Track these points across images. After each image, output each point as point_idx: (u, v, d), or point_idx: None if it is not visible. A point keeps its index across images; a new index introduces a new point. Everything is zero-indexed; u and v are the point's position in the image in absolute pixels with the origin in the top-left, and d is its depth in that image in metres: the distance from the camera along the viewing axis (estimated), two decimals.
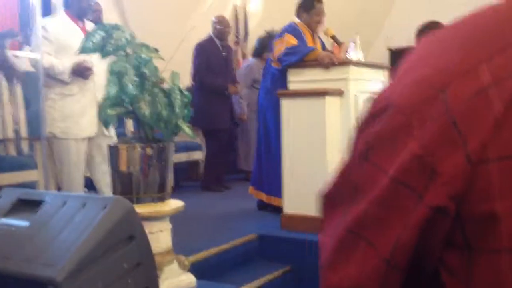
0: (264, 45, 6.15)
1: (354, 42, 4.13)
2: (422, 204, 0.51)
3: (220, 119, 5.41)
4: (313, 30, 4.27)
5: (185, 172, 6.09)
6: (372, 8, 8.63)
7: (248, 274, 3.34)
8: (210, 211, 4.50)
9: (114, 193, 2.36)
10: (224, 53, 5.54)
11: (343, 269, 0.57)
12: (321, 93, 3.67)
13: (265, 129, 4.34)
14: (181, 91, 2.43)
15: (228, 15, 7.56)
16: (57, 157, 3.71)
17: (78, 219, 1.77)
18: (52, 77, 3.62)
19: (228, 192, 5.49)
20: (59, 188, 3.83)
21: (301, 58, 3.84)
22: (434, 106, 0.51)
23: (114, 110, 2.34)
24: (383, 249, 0.54)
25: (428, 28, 3.23)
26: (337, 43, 4.20)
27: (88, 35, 2.32)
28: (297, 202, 3.73)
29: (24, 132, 4.19)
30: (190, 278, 2.45)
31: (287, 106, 3.78)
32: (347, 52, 4.18)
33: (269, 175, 4.25)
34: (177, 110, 2.36)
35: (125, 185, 2.30)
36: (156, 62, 2.54)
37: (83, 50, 2.32)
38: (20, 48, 5.14)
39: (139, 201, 2.28)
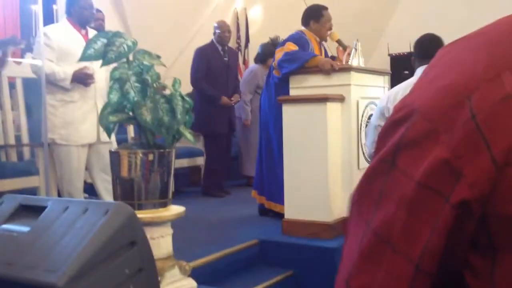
0: (268, 51, 6.18)
1: (355, 48, 4.14)
2: (449, 205, 0.53)
3: (218, 125, 5.42)
4: (322, 38, 4.29)
5: (186, 177, 6.09)
6: (373, 15, 8.65)
7: (249, 280, 3.34)
8: (211, 216, 4.50)
9: (115, 199, 2.37)
10: (225, 58, 5.54)
11: (370, 276, 0.58)
12: (322, 99, 3.67)
13: (267, 136, 4.34)
14: (182, 97, 2.44)
15: (229, 21, 7.59)
16: (58, 163, 3.73)
17: (80, 225, 1.78)
18: (53, 83, 3.64)
19: (229, 197, 5.50)
20: (60, 194, 3.84)
21: (302, 65, 3.85)
22: (461, 112, 0.52)
23: (116, 116, 2.35)
24: (412, 254, 0.55)
25: (426, 41, 3.31)
26: (343, 47, 4.21)
27: (89, 42, 2.34)
28: (299, 207, 3.73)
29: (25, 138, 4.20)
30: (191, 284, 2.46)
31: (288, 112, 3.79)
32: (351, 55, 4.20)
33: (270, 180, 4.26)
34: (179, 116, 2.37)
35: (126, 191, 2.31)
36: (158, 69, 2.56)
37: (85, 57, 2.33)
38: (22, 55, 5.16)
39: (140, 207, 2.29)
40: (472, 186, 0.52)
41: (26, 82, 4.25)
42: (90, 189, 4.19)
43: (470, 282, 0.56)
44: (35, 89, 3.84)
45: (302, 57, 3.88)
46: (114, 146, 3.71)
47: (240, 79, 6.29)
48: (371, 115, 3.93)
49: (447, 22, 8.12)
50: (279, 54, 4.03)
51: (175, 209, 2.41)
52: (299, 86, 3.91)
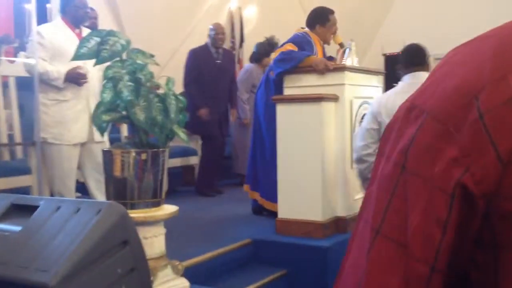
0: (263, 51, 6.17)
1: (349, 48, 4.15)
2: (457, 203, 0.54)
3: (210, 126, 5.41)
4: (326, 42, 4.29)
5: (180, 177, 6.09)
6: (367, 14, 8.67)
7: (243, 279, 3.34)
8: (204, 215, 4.50)
9: (108, 198, 2.36)
10: (218, 61, 5.53)
11: (385, 283, 0.58)
12: (316, 99, 3.68)
13: (260, 134, 4.34)
14: (176, 96, 2.43)
15: (223, 20, 7.59)
16: (49, 163, 3.71)
17: (72, 224, 1.77)
18: (46, 82, 3.63)
19: (223, 197, 5.50)
20: (52, 194, 3.83)
21: (296, 64, 3.85)
22: (470, 111, 0.54)
23: (109, 115, 2.34)
24: (428, 256, 0.55)
25: (412, 50, 3.40)
26: (344, 50, 4.23)
27: (82, 41, 2.33)
28: (292, 206, 3.74)
29: (18, 137, 4.18)
30: (184, 283, 2.45)
31: (282, 112, 3.79)
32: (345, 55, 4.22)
33: (264, 179, 4.26)
34: (172, 115, 2.36)
35: (119, 191, 2.30)
36: (152, 68, 2.55)
37: (78, 56, 2.32)
38: (15, 54, 5.14)
39: (133, 206, 2.28)
40: (478, 183, 0.53)
41: (19, 81, 4.24)
42: (82, 189, 4.18)
43: (475, 279, 0.57)
44: (28, 88, 3.82)
45: (296, 56, 3.88)
46: (106, 145, 3.70)
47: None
48: (365, 115, 3.93)
49: (441, 22, 8.16)
50: (276, 53, 4.04)
51: (168, 209, 2.41)
52: (293, 86, 3.91)
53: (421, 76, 3.23)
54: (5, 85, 4.33)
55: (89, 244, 1.69)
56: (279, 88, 4.03)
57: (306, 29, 4.28)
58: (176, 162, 5.62)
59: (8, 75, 4.26)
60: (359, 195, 3.82)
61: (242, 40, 8.23)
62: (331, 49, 4.54)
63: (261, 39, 6.37)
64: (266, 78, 4.35)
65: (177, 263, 2.39)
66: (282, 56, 3.92)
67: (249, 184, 4.44)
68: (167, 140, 2.43)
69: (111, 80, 2.31)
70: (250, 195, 4.44)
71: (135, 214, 2.21)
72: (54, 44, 3.67)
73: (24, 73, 3.82)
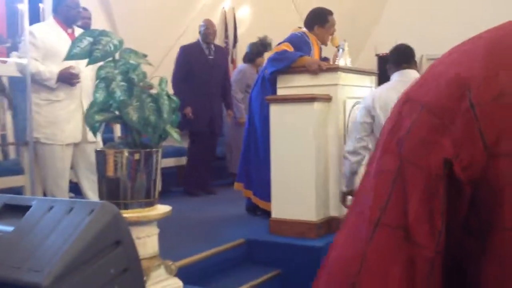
0: (256, 50, 6.17)
1: (342, 48, 4.16)
2: (445, 187, 0.59)
3: (199, 123, 5.40)
4: (324, 43, 4.30)
5: (173, 177, 6.08)
6: (360, 15, 8.69)
7: (236, 279, 3.34)
8: (198, 215, 4.50)
9: (101, 198, 2.36)
10: (210, 57, 5.52)
11: (385, 273, 0.60)
12: (310, 99, 3.69)
13: (254, 134, 4.35)
14: (169, 96, 2.43)
15: (217, 20, 7.58)
16: (42, 163, 3.70)
17: (65, 224, 1.77)
18: (38, 82, 3.61)
19: (216, 197, 5.49)
20: (45, 194, 3.82)
21: (289, 64, 3.86)
22: (462, 102, 0.58)
23: (102, 115, 2.34)
24: (431, 240, 0.59)
25: (401, 50, 3.59)
26: None
27: (75, 41, 2.32)
28: (286, 206, 3.74)
29: (11, 137, 4.17)
30: (177, 283, 2.45)
31: (276, 112, 3.80)
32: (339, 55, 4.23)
33: (258, 178, 4.26)
34: (165, 115, 2.36)
35: (112, 191, 2.30)
36: (145, 68, 2.55)
37: (70, 56, 2.32)
38: (8, 54, 5.12)
39: (126, 206, 2.28)
40: (465, 169, 0.57)
41: (12, 81, 4.22)
42: (75, 189, 4.16)
43: (465, 266, 0.61)
44: (21, 88, 3.81)
45: (289, 57, 3.89)
46: (100, 145, 3.69)
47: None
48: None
49: (434, 23, 8.19)
50: (272, 53, 4.05)
51: (161, 209, 2.41)
52: (286, 86, 3.92)
53: (409, 74, 3.37)
54: None
55: (81, 244, 1.69)
56: (275, 87, 4.04)
57: (304, 29, 4.29)
58: (170, 162, 5.62)
59: (1, 75, 4.24)
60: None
61: (235, 40, 8.23)
62: (328, 51, 4.55)
63: (255, 39, 6.38)
64: (262, 78, 4.35)
65: (170, 263, 2.39)
66: (276, 56, 3.94)
67: (242, 183, 4.44)
68: (160, 140, 2.43)
69: (103, 80, 2.31)
70: (244, 193, 4.44)
71: (128, 214, 2.20)
72: (46, 44, 3.66)
73: (16, 73, 3.81)
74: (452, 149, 0.58)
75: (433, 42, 7.17)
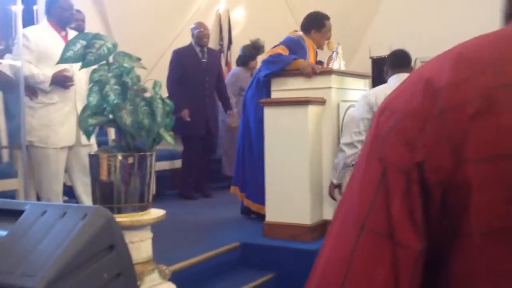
0: (249, 53, 6.17)
1: (336, 51, 4.17)
2: (418, 189, 0.62)
3: (195, 126, 5.40)
4: (320, 47, 4.31)
5: (167, 180, 6.07)
6: (354, 18, 8.71)
7: (231, 283, 3.34)
8: (192, 219, 4.49)
9: (94, 202, 2.35)
10: (203, 60, 5.51)
11: (370, 274, 0.63)
12: (303, 102, 3.69)
13: (249, 136, 4.35)
14: (163, 100, 2.43)
15: (211, 23, 7.59)
16: (36, 166, 3.69)
17: (58, 229, 1.76)
18: (32, 85, 3.60)
19: (210, 200, 5.49)
20: (38, 198, 3.80)
21: (283, 67, 3.87)
22: (433, 110, 0.63)
23: (95, 119, 2.33)
24: (414, 239, 0.62)
25: (398, 54, 3.75)
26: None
27: (68, 44, 2.32)
28: (280, 210, 3.74)
29: (4, 140, 4.15)
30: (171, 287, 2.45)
31: (270, 115, 3.80)
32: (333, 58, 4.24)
33: (251, 180, 4.26)
34: (159, 119, 2.36)
35: (105, 195, 2.29)
36: (139, 71, 2.54)
37: (64, 59, 2.31)
38: (1, 56, 5.10)
39: (120, 210, 2.27)
40: (434, 172, 0.61)
41: (5, 84, 4.20)
42: (69, 192, 4.15)
43: (436, 265, 0.65)
44: (15, 91, 3.79)
45: (283, 60, 3.89)
46: (94, 148, 3.68)
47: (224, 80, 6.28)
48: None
49: (427, 25, 8.22)
50: (266, 55, 4.06)
51: (155, 213, 2.40)
52: (280, 89, 3.92)
53: (405, 77, 3.42)
54: None
55: (75, 249, 1.68)
56: (269, 90, 4.04)
57: (301, 33, 4.29)
58: (164, 165, 5.61)
59: None
60: None
61: (230, 43, 8.23)
62: (322, 54, 4.56)
63: (249, 41, 6.38)
64: (256, 80, 4.36)
65: (164, 268, 2.39)
66: (270, 58, 3.94)
67: (237, 186, 4.44)
68: (154, 144, 2.42)
69: (97, 84, 2.30)
70: (240, 197, 4.44)
71: (121, 218, 2.20)
72: (39, 47, 3.65)
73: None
74: (423, 153, 0.62)
75: (427, 45, 7.19)
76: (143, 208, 2.35)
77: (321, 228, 3.76)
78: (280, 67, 3.87)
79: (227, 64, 8.01)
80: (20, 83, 3.52)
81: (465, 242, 0.61)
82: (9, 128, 4.15)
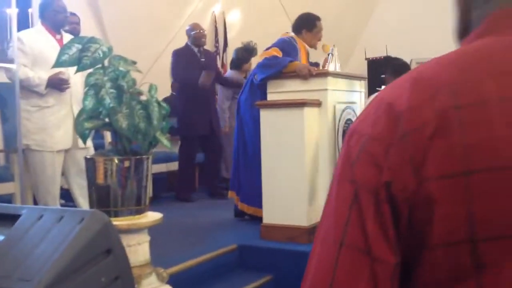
0: (241, 56, 6.17)
1: (332, 53, 4.18)
2: (387, 206, 0.67)
3: (200, 126, 5.40)
4: (312, 47, 4.32)
5: (164, 182, 6.07)
6: (349, 19, 8.73)
7: (229, 285, 3.34)
8: (189, 221, 4.49)
9: (91, 206, 2.35)
10: (202, 59, 5.53)
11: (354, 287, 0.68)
12: (300, 104, 3.69)
13: (243, 139, 4.35)
14: (159, 103, 2.43)
15: (207, 25, 7.59)
16: (32, 170, 3.68)
17: (55, 233, 1.76)
18: (28, 89, 3.60)
19: (207, 202, 5.49)
20: (35, 200, 3.80)
21: (280, 71, 3.87)
22: (395, 133, 0.68)
23: (91, 123, 2.33)
24: (390, 253, 0.67)
25: (399, 64, 3.97)
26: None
27: (63, 48, 2.31)
28: (276, 212, 3.75)
29: (0, 144, 4.14)
30: None
31: (266, 117, 3.80)
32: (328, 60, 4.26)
33: (245, 182, 4.27)
34: (155, 122, 2.36)
35: (102, 198, 2.29)
36: (134, 74, 2.54)
37: (59, 63, 2.31)
38: None
39: (116, 214, 2.27)
40: (401, 191, 0.66)
41: (1, 87, 4.20)
42: (66, 195, 4.14)
43: (407, 276, 0.70)
44: (10, 95, 3.79)
45: (279, 62, 3.90)
46: (91, 151, 3.68)
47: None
48: (348, 120, 3.96)
49: (422, 27, 8.24)
50: (261, 58, 4.06)
51: (152, 216, 2.40)
52: (276, 91, 3.93)
53: None
54: None
55: (72, 253, 1.68)
56: (264, 92, 4.05)
57: (292, 34, 4.30)
58: (160, 168, 5.60)
59: None
60: None
61: (226, 45, 8.24)
62: (318, 56, 4.56)
63: (241, 44, 6.39)
64: (250, 83, 4.36)
65: (161, 271, 2.39)
66: (266, 62, 3.94)
67: (234, 191, 4.44)
68: (150, 147, 2.42)
69: (93, 87, 2.30)
70: (235, 200, 4.45)
71: (118, 222, 2.20)
72: (34, 51, 3.64)
73: (5, 79, 3.79)
74: (389, 174, 0.67)
75: (422, 46, 7.22)
76: (140, 212, 2.35)
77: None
78: (277, 70, 3.87)
79: (223, 66, 8.01)
80: (15, 87, 3.52)
81: (431, 254, 0.66)
82: (5, 131, 4.14)
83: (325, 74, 3.85)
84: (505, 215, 0.64)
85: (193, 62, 5.43)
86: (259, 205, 3.92)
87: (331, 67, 4.11)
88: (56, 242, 1.72)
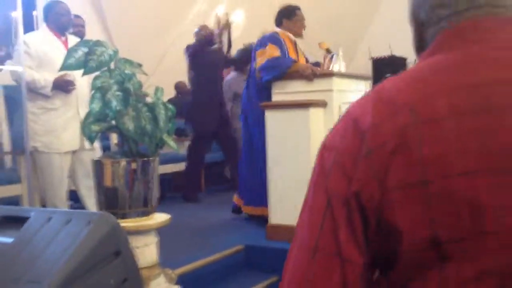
0: (244, 58, 6.18)
1: (336, 53, 4.18)
2: (357, 214, 0.76)
3: (206, 125, 5.39)
4: (296, 35, 4.33)
5: (169, 183, 6.08)
6: (353, 19, 8.72)
7: (235, 285, 3.35)
8: (195, 222, 4.50)
9: (99, 208, 2.36)
10: (214, 57, 5.54)
11: (327, 285, 0.77)
12: (305, 105, 3.70)
13: (248, 137, 4.35)
14: (165, 105, 2.44)
15: (211, 26, 7.59)
16: (40, 171, 3.70)
17: (63, 235, 1.77)
18: (34, 91, 3.62)
19: (212, 202, 5.49)
20: (43, 202, 3.81)
21: (285, 71, 3.87)
22: (361, 150, 0.76)
23: (98, 125, 2.34)
24: (359, 256, 0.76)
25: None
26: (331, 56, 4.25)
27: (70, 51, 2.33)
28: (282, 212, 3.75)
29: (7, 146, 4.16)
30: None
31: (271, 118, 3.81)
32: (333, 60, 4.26)
33: (248, 181, 4.29)
34: (161, 124, 2.37)
35: (110, 200, 2.30)
36: (138, 76, 2.55)
37: (65, 66, 2.32)
38: (2, 63, 5.12)
39: (124, 216, 2.28)
40: (368, 201, 0.74)
41: (7, 89, 4.22)
42: (74, 196, 4.16)
43: (382, 278, 0.80)
44: (16, 97, 3.81)
45: (283, 64, 3.90)
46: (97, 152, 3.70)
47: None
48: None
49: None
50: (261, 58, 4.04)
51: (159, 217, 2.41)
52: (281, 92, 3.93)
53: None
54: None
55: (81, 255, 1.69)
56: (261, 91, 4.08)
57: (276, 29, 4.33)
58: (167, 168, 5.61)
59: None
60: None
61: (229, 46, 8.24)
62: (318, 54, 4.57)
63: (243, 45, 6.40)
64: (252, 83, 4.37)
65: (170, 272, 2.40)
66: (269, 64, 3.95)
67: (240, 198, 4.47)
68: (157, 149, 2.43)
69: (99, 90, 2.31)
70: (235, 201, 4.51)
71: (126, 223, 2.21)
72: (39, 53, 3.66)
73: (11, 82, 3.81)
74: (358, 185, 0.75)
75: None
76: (147, 213, 2.36)
77: None
78: (281, 71, 3.88)
79: (227, 67, 8.01)
80: (22, 89, 3.54)
81: (402, 253, 0.74)
82: (12, 133, 4.16)
83: (330, 74, 3.85)
84: (461, 219, 0.71)
85: (207, 59, 5.41)
86: (259, 204, 3.97)
87: (336, 68, 4.11)
88: (64, 244, 1.74)
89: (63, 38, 3.77)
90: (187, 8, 7.43)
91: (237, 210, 4.47)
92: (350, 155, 0.77)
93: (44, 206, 3.74)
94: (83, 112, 3.55)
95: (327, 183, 0.79)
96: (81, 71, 2.44)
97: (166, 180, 5.77)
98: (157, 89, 2.47)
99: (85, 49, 2.34)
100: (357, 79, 4.23)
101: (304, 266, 0.79)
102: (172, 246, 3.51)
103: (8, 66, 4.10)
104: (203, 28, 5.57)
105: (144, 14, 6.67)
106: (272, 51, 4.01)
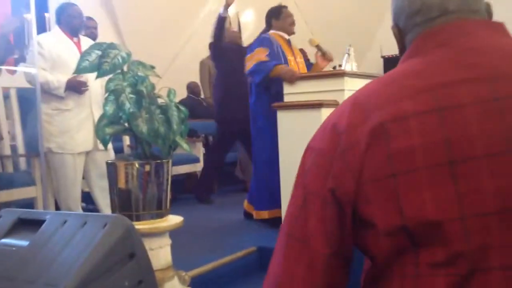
0: None
1: (348, 53, 4.16)
2: (334, 207, 0.87)
3: (240, 120, 5.35)
4: (288, 32, 4.33)
5: (182, 184, 6.09)
6: (364, 17, 8.68)
7: (248, 287, 3.34)
8: (208, 224, 4.51)
9: (113, 210, 2.37)
10: (238, 55, 5.54)
11: (292, 274, 0.90)
12: (317, 105, 3.69)
13: (260, 139, 4.35)
14: (178, 107, 2.44)
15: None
16: (54, 172, 3.73)
17: (78, 238, 1.78)
18: (47, 92, 3.64)
19: (225, 204, 5.49)
20: (57, 204, 3.84)
21: (266, 76, 3.94)
22: (337, 149, 0.86)
23: (112, 128, 2.35)
24: (324, 244, 0.87)
25: None
26: (322, 53, 4.23)
27: (83, 54, 2.34)
28: None
29: (21, 148, 4.20)
30: None
31: (283, 118, 3.80)
32: (332, 61, 4.26)
33: (257, 184, 4.29)
34: (175, 126, 2.38)
35: (124, 202, 2.31)
36: (151, 78, 2.56)
37: (79, 69, 2.33)
38: (16, 65, 5.16)
39: (138, 218, 2.29)
40: (343, 195, 0.85)
41: (21, 92, 4.25)
42: (87, 198, 4.18)
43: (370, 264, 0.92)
44: (30, 99, 3.84)
45: (265, 68, 3.97)
46: (111, 153, 3.72)
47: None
48: None
49: None
50: (249, 63, 4.12)
51: (173, 219, 2.42)
52: (293, 92, 3.93)
53: None
54: (6, 96, 4.35)
55: (96, 258, 1.70)
56: (259, 94, 4.14)
57: (269, 32, 4.36)
58: (179, 169, 5.62)
59: (9, 87, 4.27)
60: None
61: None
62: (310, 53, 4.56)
63: None
64: (254, 85, 4.39)
65: (183, 274, 2.40)
66: (255, 68, 4.04)
67: (252, 204, 4.48)
68: (170, 151, 2.44)
69: (113, 93, 2.32)
70: (246, 207, 4.52)
71: (140, 225, 2.22)
72: (53, 54, 3.69)
73: (25, 84, 3.84)
74: (333, 181, 0.85)
75: None
76: (161, 215, 2.37)
77: None
78: (263, 75, 3.97)
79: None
80: (36, 90, 3.56)
81: (380, 239, 0.83)
82: (26, 136, 4.19)
83: (341, 74, 3.84)
84: (426, 207, 0.78)
85: (235, 56, 5.39)
86: (267, 207, 4.03)
87: (347, 67, 4.10)
88: (80, 247, 1.75)
89: (76, 40, 3.80)
90: (198, 8, 7.44)
91: (248, 215, 4.46)
92: (326, 156, 0.87)
93: (58, 208, 3.76)
94: (96, 112, 3.57)
95: (305, 181, 0.90)
96: (94, 74, 2.46)
97: (177, 181, 5.78)
98: (169, 91, 2.47)
99: (99, 52, 2.35)
100: (368, 79, 4.21)
101: (282, 249, 0.92)
102: (186, 248, 3.52)
103: (22, 67, 4.13)
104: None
105: (155, 15, 6.70)
106: (259, 56, 4.05)
